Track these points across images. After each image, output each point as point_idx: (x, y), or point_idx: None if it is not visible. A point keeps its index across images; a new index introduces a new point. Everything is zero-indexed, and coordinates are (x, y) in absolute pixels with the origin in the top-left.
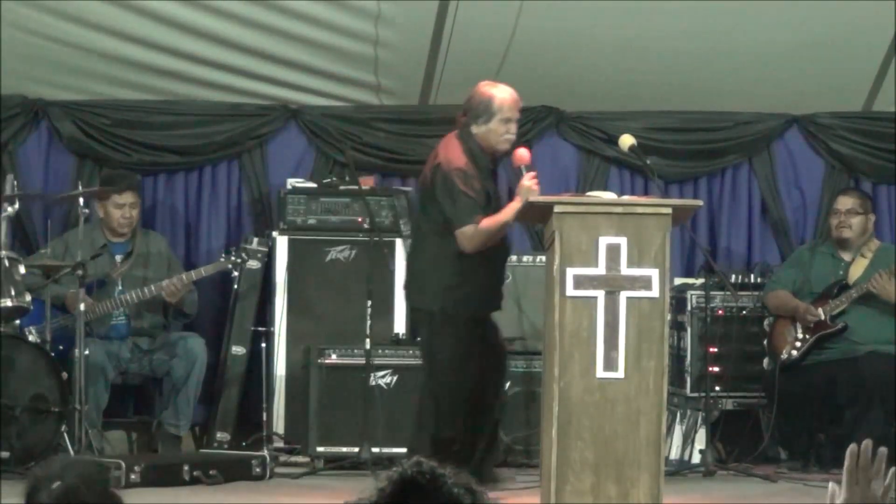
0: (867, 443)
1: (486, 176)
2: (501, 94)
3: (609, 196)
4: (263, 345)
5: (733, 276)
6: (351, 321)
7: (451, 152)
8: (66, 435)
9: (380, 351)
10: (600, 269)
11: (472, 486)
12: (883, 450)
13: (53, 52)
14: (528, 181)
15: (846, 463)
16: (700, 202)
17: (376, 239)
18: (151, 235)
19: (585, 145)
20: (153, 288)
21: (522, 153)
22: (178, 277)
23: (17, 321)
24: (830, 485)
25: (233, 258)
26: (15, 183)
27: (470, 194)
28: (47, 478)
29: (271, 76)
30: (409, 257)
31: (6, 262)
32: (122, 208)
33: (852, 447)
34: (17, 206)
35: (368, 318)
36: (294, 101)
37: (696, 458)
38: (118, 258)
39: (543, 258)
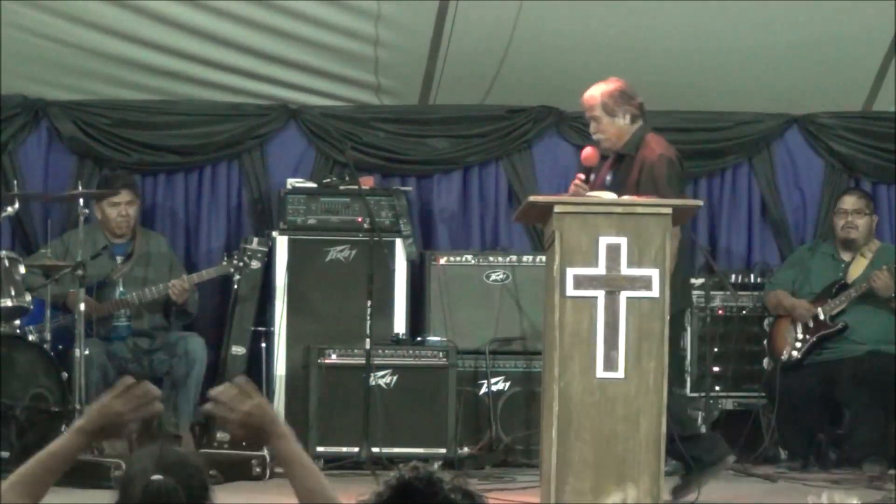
0: None
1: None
2: None
3: (609, 196)
4: (263, 345)
5: (733, 276)
6: (351, 321)
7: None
8: None
9: (380, 351)
10: (600, 269)
11: (468, 489)
12: None
13: (53, 52)
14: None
15: None
16: (700, 202)
17: (376, 239)
18: (152, 236)
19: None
20: (159, 288)
21: (585, 151)
22: (180, 280)
23: (17, 321)
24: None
25: (235, 262)
26: (15, 183)
27: None
28: (143, 471)
29: (271, 76)
30: None
31: (6, 262)
32: (118, 207)
33: None
34: (17, 205)
35: (368, 318)
36: (294, 101)
37: None
38: (119, 259)
39: (543, 258)
